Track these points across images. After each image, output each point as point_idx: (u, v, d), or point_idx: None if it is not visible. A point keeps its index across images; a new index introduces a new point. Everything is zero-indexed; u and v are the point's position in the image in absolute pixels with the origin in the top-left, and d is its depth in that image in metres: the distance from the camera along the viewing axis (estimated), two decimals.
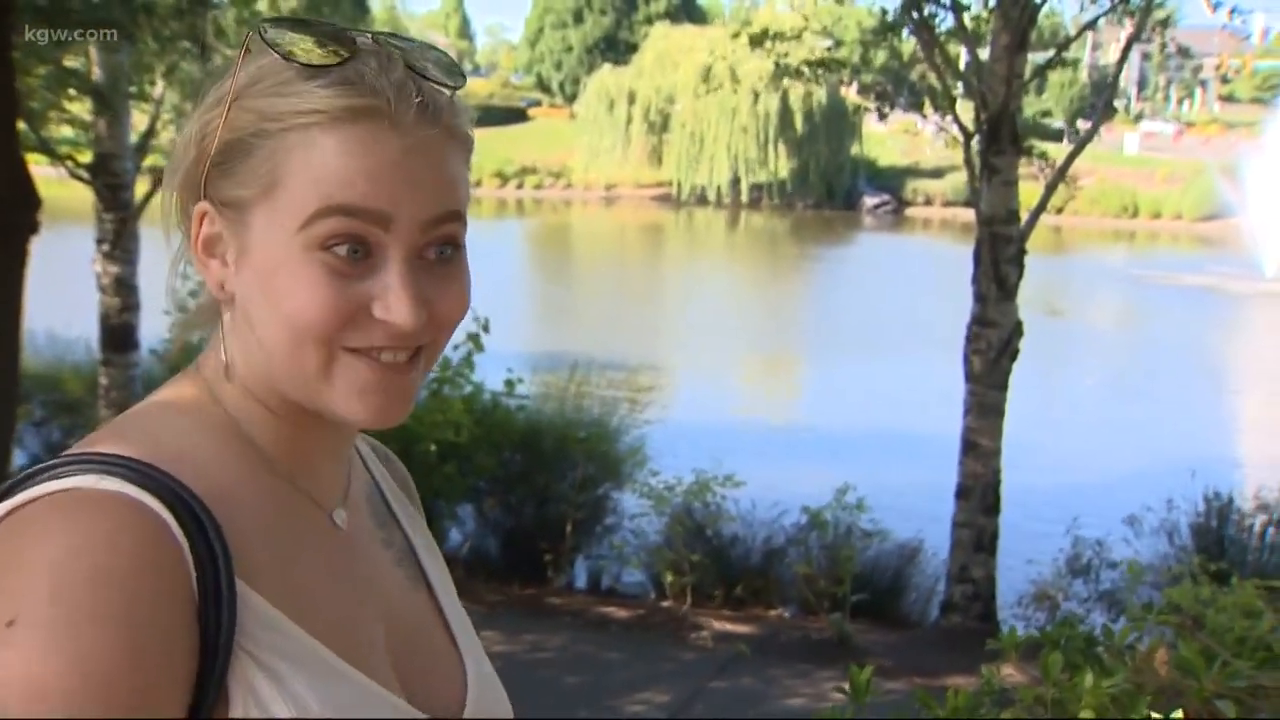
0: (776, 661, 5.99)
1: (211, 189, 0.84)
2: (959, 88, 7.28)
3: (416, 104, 0.81)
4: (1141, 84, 64.68)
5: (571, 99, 59.50)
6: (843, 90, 42.75)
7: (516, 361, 8.33)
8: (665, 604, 6.96)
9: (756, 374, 18.47)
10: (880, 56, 9.23)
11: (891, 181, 48.73)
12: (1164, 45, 8.23)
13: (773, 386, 17.95)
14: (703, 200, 47.68)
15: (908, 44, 8.55)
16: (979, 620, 6.71)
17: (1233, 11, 7.65)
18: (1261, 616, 2.31)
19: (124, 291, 8.97)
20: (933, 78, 7.44)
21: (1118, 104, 49.67)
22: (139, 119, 9.58)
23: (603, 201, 49.10)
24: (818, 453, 11.72)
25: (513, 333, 13.20)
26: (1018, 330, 6.80)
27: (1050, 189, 7.15)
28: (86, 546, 0.72)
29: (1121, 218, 44.25)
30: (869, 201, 47.67)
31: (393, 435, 0.96)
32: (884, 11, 7.95)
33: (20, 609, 0.70)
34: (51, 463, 0.78)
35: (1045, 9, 6.92)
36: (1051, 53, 8.55)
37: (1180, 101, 67.99)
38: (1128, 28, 7.90)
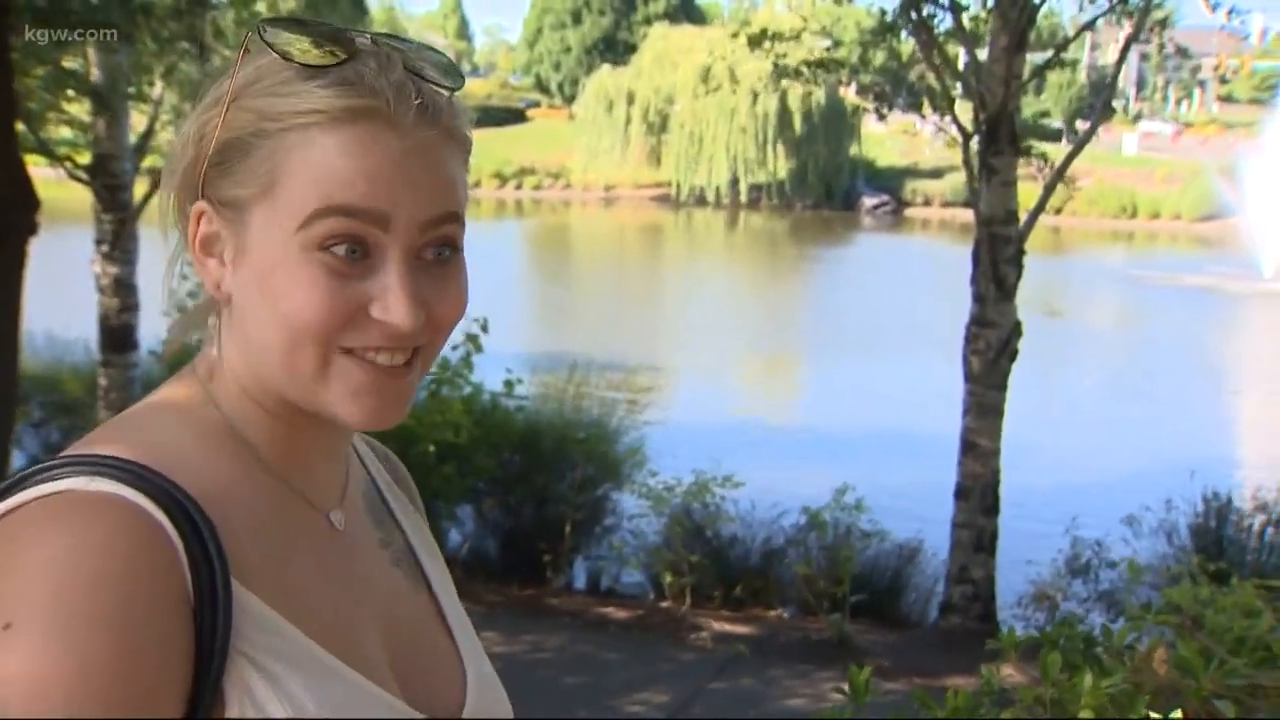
0: (776, 662, 5.99)
1: (209, 188, 0.84)
2: (958, 88, 7.28)
3: (416, 105, 0.81)
4: (1140, 84, 64.77)
5: (570, 100, 59.51)
6: (841, 91, 42.70)
7: (515, 362, 8.33)
8: (664, 604, 6.96)
9: (756, 374, 18.46)
10: (879, 57, 9.22)
11: (890, 182, 48.72)
12: (1162, 46, 8.23)
13: (772, 387, 17.94)
14: (701, 201, 47.67)
15: (906, 44, 8.54)
16: (978, 620, 6.71)
17: (1231, 12, 7.65)
18: (1260, 616, 2.30)
19: (123, 292, 8.96)
20: (931, 78, 7.45)
21: (1116, 104, 49.71)
22: (138, 120, 9.56)
23: (601, 202, 49.10)
24: (817, 453, 11.72)
25: (512, 333, 13.21)
26: (1016, 330, 6.80)
27: (1049, 189, 7.16)
28: (82, 549, 0.72)
29: (1120, 218, 44.25)
30: (868, 202, 47.68)
31: (392, 436, 0.96)
32: (883, 12, 7.96)
33: (17, 612, 0.70)
34: (46, 465, 0.78)
35: (1044, 9, 6.93)
36: (1050, 53, 8.56)
37: (1179, 102, 68.02)
38: (1126, 28, 7.89)
